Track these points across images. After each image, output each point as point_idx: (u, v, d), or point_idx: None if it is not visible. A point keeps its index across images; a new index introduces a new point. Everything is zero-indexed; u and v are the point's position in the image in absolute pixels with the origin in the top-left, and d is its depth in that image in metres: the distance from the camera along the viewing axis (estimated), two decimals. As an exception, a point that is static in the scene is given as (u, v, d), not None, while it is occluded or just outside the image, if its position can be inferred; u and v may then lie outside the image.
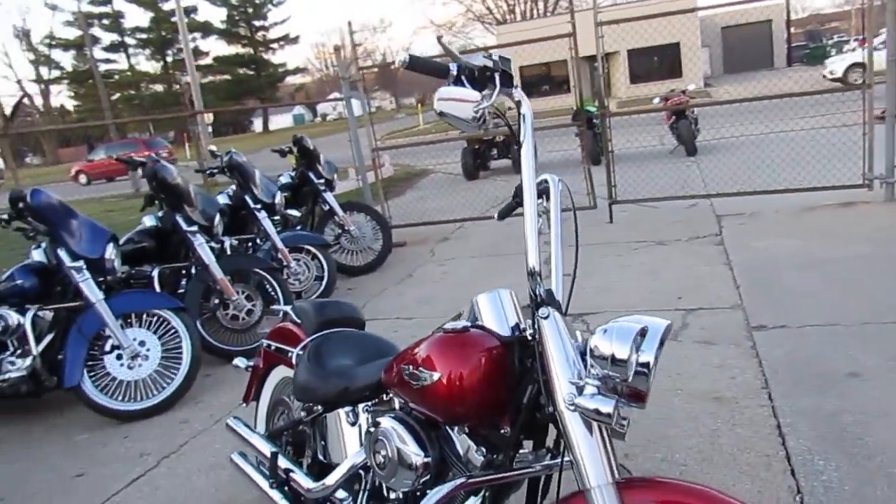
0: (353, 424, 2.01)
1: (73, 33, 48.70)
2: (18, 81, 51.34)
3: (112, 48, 51.69)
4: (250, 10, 54.99)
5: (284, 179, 6.15)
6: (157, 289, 4.22)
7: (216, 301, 4.36)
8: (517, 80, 1.56)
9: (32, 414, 3.89)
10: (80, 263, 3.62)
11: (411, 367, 1.58)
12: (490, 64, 1.52)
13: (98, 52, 49.07)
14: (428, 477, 1.64)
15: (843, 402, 2.79)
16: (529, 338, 1.52)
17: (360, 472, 1.93)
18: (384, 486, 1.85)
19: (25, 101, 49.02)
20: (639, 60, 29.07)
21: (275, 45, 57.51)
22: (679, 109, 10.19)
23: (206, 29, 52.70)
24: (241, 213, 5.19)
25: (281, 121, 60.33)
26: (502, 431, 1.59)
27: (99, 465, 3.20)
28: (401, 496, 1.80)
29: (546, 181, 1.81)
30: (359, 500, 1.94)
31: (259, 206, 5.09)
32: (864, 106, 5.82)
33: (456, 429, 1.66)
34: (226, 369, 3.99)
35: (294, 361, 2.21)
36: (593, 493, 1.31)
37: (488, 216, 7.30)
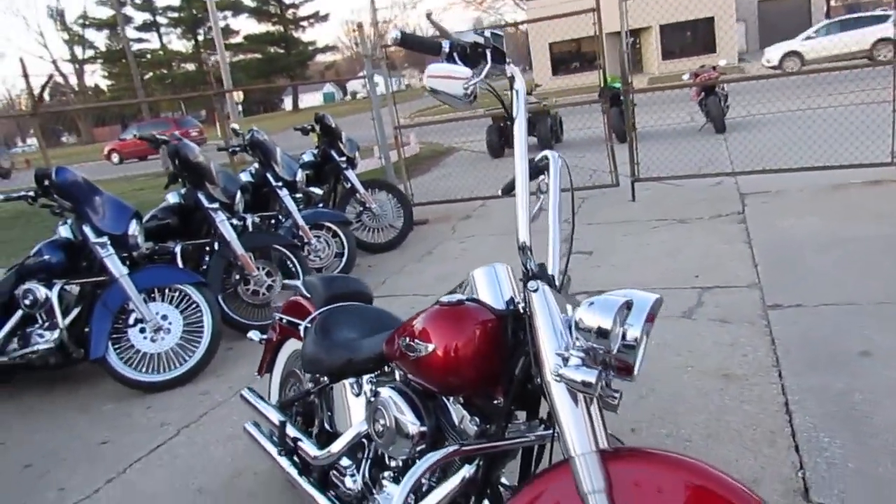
0: (357, 395, 2.07)
1: (106, 13, 49.38)
2: (53, 61, 52.16)
3: (144, 27, 52.31)
4: (280, -12, 55.09)
5: (307, 157, 6.21)
6: (180, 264, 4.32)
7: (237, 277, 4.46)
8: (510, 57, 1.57)
9: (61, 385, 4.04)
10: (105, 239, 3.73)
11: (408, 338, 1.63)
12: (481, 40, 1.53)
13: (130, 32, 49.76)
14: (424, 445, 1.69)
15: (853, 381, 2.77)
16: (523, 311, 1.55)
17: (364, 440, 1.99)
18: (385, 454, 1.90)
19: (59, 80, 49.88)
20: (672, 35, 28.49)
21: (305, 23, 57.57)
22: (708, 86, 10.02)
23: (236, 7, 52.93)
24: (264, 191, 5.27)
25: (311, 99, 60.60)
26: (496, 402, 1.63)
27: (123, 433, 3.32)
28: (400, 464, 1.86)
29: (547, 157, 1.83)
30: (362, 468, 2.00)
31: (280, 184, 5.16)
32: (894, 82, 5.66)
33: (451, 399, 1.71)
34: (246, 343, 4.04)
35: (302, 334, 2.27)
36: (577, 461, 1.34)
37: (512, 195, 7.28)
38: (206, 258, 4.55)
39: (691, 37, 28.60)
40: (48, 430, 3.51)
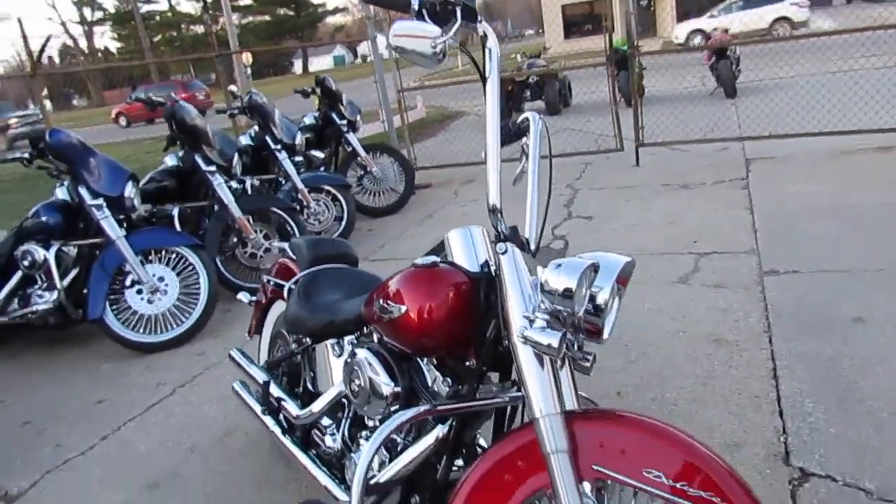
0: (338, 356, 2.08)
1: (114, -27, 48.87)
2: (63, 24, 51.85)
3: (153, -12, 51.80)
4: (289, -52, 54.23)
5: (308, 120, 6.18)
6: (178, 227, 4.34)
7: (235, 239, 4.47)
8: (482, 14, 1.53)
9: (61, 345, 4.10)
10: (100, 201, 3.74)
11: (382, 300, 1.63)
12: (451, -2, 1.49)
13: (139, -7, 49.20)
14: (397, 406, 1.71)
15: (843, 348, 2.76)
16: (495, 274, 1.54)
17: (344, 400, 2.01)
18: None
19: (69, 42, 49.63)
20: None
21: (314, -16, 56.78)
22: (719, 49, 9.82)
23: (245, -33, 52.26)
24: (263, 154, 5.26)
25: (321, 62, 59.98)
26: (468, 364, 1.63)
27: (120, 392, 3.38)
28: (377, 423, 1.87)
29: (527, 119, 1.80)
30: (341, 427, 2.03)
31: (279, 147, 5.14)
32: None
33: (426, 361, 1.72)
34: (244, 305, 4.10)
35: (286, 296, 2.28)
36: (540, 422, 1.34)
37: (516, 158, 7.23)
38: (205, 221, 4.57)
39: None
40: (47, 388, 3.57)
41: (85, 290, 3.79)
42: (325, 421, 2.08)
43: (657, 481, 1.28)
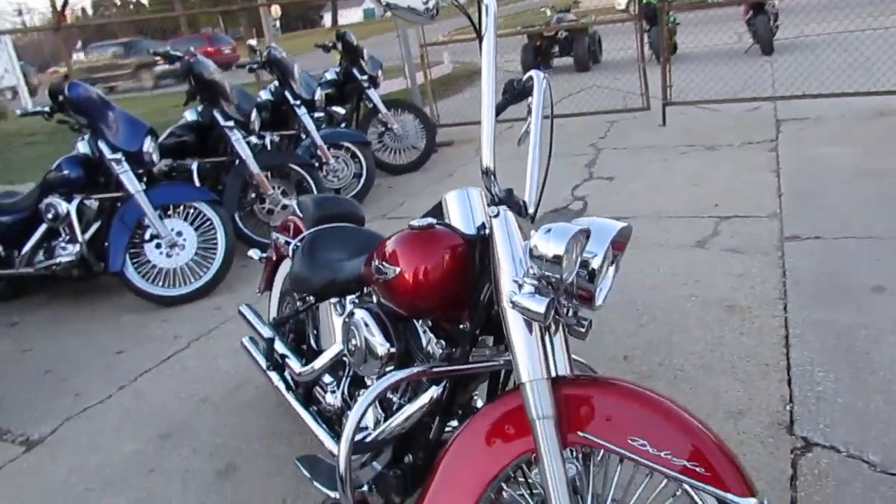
0: (340, 315, 2.09)
1: (145, -77, 48.45)
2: (95, -25, 51.77)
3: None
4: None
5: (329, 76, 6.12)
6: (197, 182, 4.37)
7: (253, 195, 4.50)
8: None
9: (85, 296, 4.19)
10: (119, 155, 3.78)
11: (378, 261, 1.62)
12: (445, -49, 1.44)
13: (170, -57, 48.78)
14: (392, 366, 1.71)
15: (859, 317, 2.70)
16: (489, 236, 1.51)
17: (344, 359, 2.02)
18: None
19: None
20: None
21: (345, -66, 55.68)
22: (757, 3, 9.46)
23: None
24: (283, 109, 5.23)
25: (352, 15, 59.23)
26: (462, 327, 1.63)
27: (138, 344, 3.46)
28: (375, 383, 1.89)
29: (532, 78, 1.76)
30: (342, 385, 2.05)
31: (299, 102, 5.11)
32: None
33: (421, 322, 1.72)
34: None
35: (290, 254, 2.29)
36: (527, 387, 1.33)
37: (542, 116, 7.11)
38: (225, 176, 4.59)
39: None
40: (70, 338, 3.67)
41: (106, 243, 3.86)
42: (327, 378, 2.11)
43: (642, 449, 1.27)
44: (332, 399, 2.06)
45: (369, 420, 1.81)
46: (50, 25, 6.79)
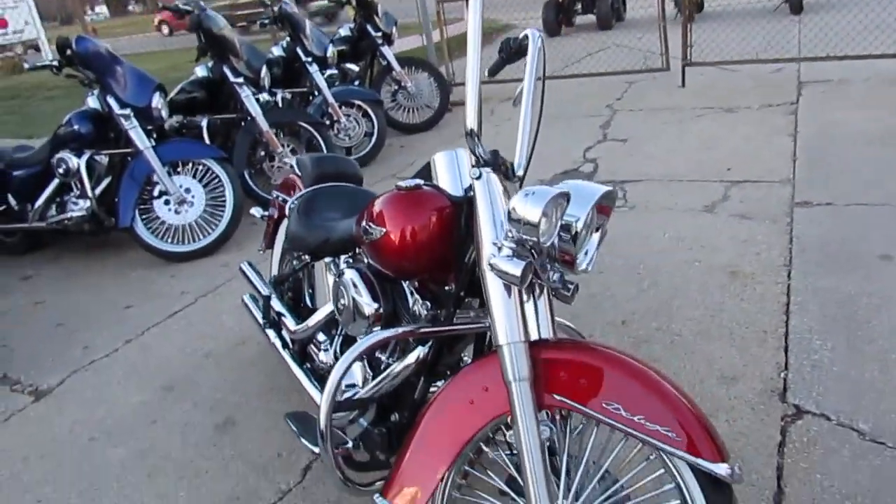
0: (334, 274, 2.11)
1: None
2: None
3: None
4: None
5: (343, 32, 6.04)
6: (207, 139, 4.37)
7: (262, 153, 4.50)
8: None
9: (96, 251, 4.26)
10: (128, 111, 3.79)
11: (365, 221, 1.62)
12: None
13: None
14: (379, 326, 1.73)
15: (864, 285, 2.66)
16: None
17: (336, 318, 2.04)
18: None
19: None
20: None
21: None
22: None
23: None
24: (295, 66, 5.19)
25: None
26: (447, 288, 1.63)
27: (146, 299, 3.52)
28: (365, 341, 1.91)
29: (527, 36, 1.73)
30: (334, 343, 2.08)
31: (310, 59, 5.07)
32: None
33: (408, 283, 1.72)
34: (270, 219, 4.19)
35: (286, 212, 2.30)
36: (503, 350, 1.34)
37: (560, 75, 7.01)
38: (235, 133, 4.59)
39: None
40: (81, 292, 3.74)
41: (116, 199, 3.90)
42: (321, 337, 2.13)
43: (616, 413, 1.28)
44: (325, 357, 2.08)
45: (358, 378, 1.83)
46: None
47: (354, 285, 1.75)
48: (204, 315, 3.25)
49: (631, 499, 1.41)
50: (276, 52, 5.28)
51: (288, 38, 5.26)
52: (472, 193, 1.54)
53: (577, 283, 1.47)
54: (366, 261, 1.84)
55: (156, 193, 3.91)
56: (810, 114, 4.87)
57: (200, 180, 4.02)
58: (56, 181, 3.99)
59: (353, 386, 1.82)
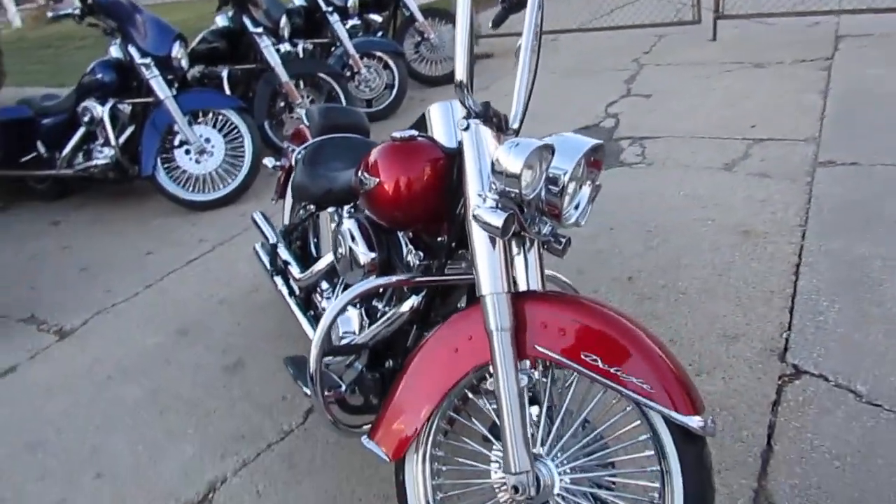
0: (335, 224, 2.14)
1: None
2: None
3: None
4: None
5: (367, -19, 5.96)
6: (227, 89, 4.40)
7: (282, 104, 4.51)
8: None
9: (122, 199, 4.36)
10: (149, 60, 3.82)
11: (361, 171, 1.64)
12: None
13: None
14: (374, 275, 1.76)
15: (878, 248, 2.61)
16: (466, 151, 1.50)
17: (335, 266, 2.08)
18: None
19: None
20: None
21: None
22: None
23: None
24: (317, 16, 5.15)
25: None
26: (440, 240, 1.65)
27: (166, 246, 3.60)
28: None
29: (528, -11, 1.70)
30: (336, 291, 2.12)
31: (331, 9, 5.02)
32: None
33: (403, 234, 1.75)
34: (289, 170, 4.23)
35: (293, 163, 2.32)
36: (486, 300, 1.36)
37: (588, 28, 6.86)
38: (255, 84, 4.60)
39: None
40: (106, 238, 3.84)
41: (139, 148, 3.97)
42: (324, 285, 2.18)
43: (593, 364, 1.30)
44: (327, 304, 2.13)
45: (355, 325, 1.87)
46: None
47: (352, 235, 1.78)
48: (220, 262, 3.33)
49: (608, 447, 1.44)
50: (297, 1, 5.23)
51: (309, -14, 5.21)
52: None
53: (568, 236, 1.48)
54: (365, 211, 1.87)
55: (177, 143, 3.96)
56: (845, 70, 4.70)
57: (220, 130, 4.06)
58: (82, 129, 4.07)
59: (351, 332, 1.87)
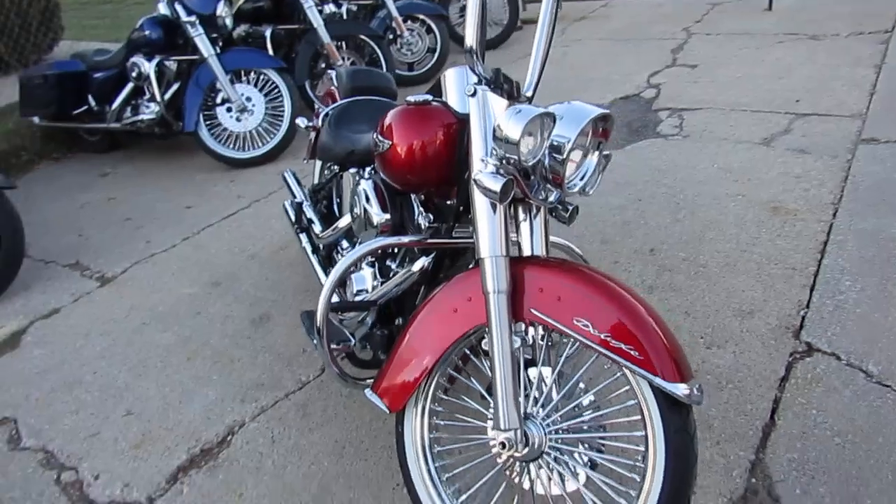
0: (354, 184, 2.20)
1: None
2: None
3: None
4: None
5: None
6: (270, 49, 4.47)
7: (323, 65, 4.56)
8: None
9: (167, 153, 4.50)
10: (194, 18, 3.91)
11: (377, 134, 1.69)
12: None
13: None
14: (386, 235, 1.82)
15: (911, 229, 2.55)
16: (478, 116, 1.53)
17: (351, 225, 2.14)
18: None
19: None
20: None
21: None
22: None
23: None
24: (363, -23, 5.17)
25: None
26: (449, 203, 1.69)
27: (205, 201, 3.73)
28: (380, 250, 2.00)
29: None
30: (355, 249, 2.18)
31: (376, -30, 5.03)
32: None
33: (415, 196, 1.79)
34: (327, 131, 4.30)
35: (319, 123, 2.38)
36: (485, 262, 1.40)
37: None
38: (298, 44, 4.66)
39: None
40: (149, 191, 3.99)
41: (183, 104, 4.08)
42: (344, 243, 2.25)
43: (584, 329, 1.33)
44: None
45: (368, 283, 1.94)
46: None
47: (367, 195, 1.84)
48: (255, 219, 3.43)
49: (599, 410, 1.48)
50: (343, -39, 5.24)
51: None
52: (472, 110, 1.57)
53: (576, 205, 1.50)
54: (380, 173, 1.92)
55: (219, 100, 4.06)
56: (903, 44, 4.51)
57: (261, 90, 4.14)
58: (130, 84, 4.20)
59: (364, 290, 1.94)
